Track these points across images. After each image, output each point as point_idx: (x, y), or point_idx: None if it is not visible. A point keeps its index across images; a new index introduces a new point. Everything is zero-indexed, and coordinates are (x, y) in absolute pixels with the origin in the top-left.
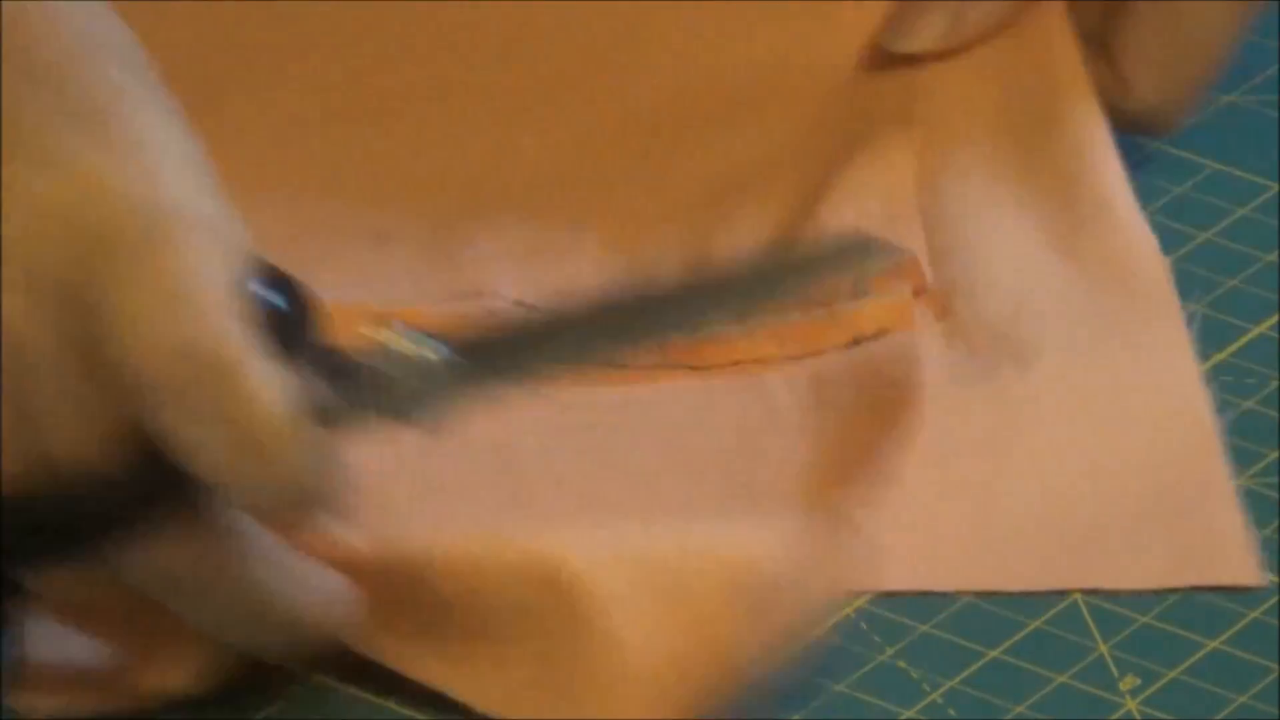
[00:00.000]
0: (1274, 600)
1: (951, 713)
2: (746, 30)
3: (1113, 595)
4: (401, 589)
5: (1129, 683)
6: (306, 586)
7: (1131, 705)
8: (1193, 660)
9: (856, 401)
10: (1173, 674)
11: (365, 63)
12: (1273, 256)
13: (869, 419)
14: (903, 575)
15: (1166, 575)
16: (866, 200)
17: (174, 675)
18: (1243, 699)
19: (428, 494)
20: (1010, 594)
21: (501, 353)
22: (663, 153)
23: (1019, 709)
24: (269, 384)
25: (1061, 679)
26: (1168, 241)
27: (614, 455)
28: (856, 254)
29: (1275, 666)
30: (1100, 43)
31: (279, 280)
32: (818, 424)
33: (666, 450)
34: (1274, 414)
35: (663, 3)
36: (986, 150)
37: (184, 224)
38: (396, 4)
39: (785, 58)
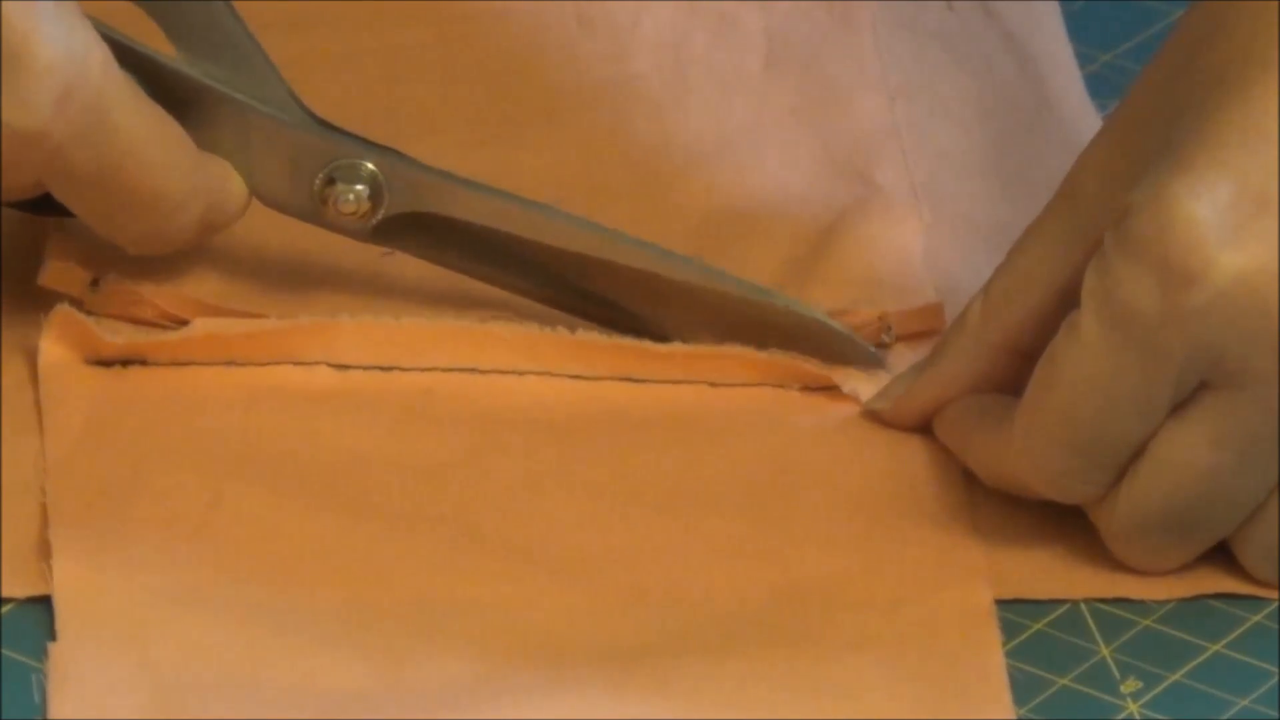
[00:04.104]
0: (1275, 605)
1: None
2: None
3: (1114, 599)
4: None
5: (1131, 686)
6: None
7: (1133, 708)
8: (1195, 664)
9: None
10: (1174, 677)
11: (365, 81)
12: None
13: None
14: None
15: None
16: (874, 253)
17: None
18: (1244, 703)
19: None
20: (1011, 597)
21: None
22: (666, 181)
23: (1021, 711)
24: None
25: (1063, 682)
26: None
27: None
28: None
29: (1276, 671)
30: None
31: None
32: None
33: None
34: None
35: None
36: None
37: None
38: (400, 24)
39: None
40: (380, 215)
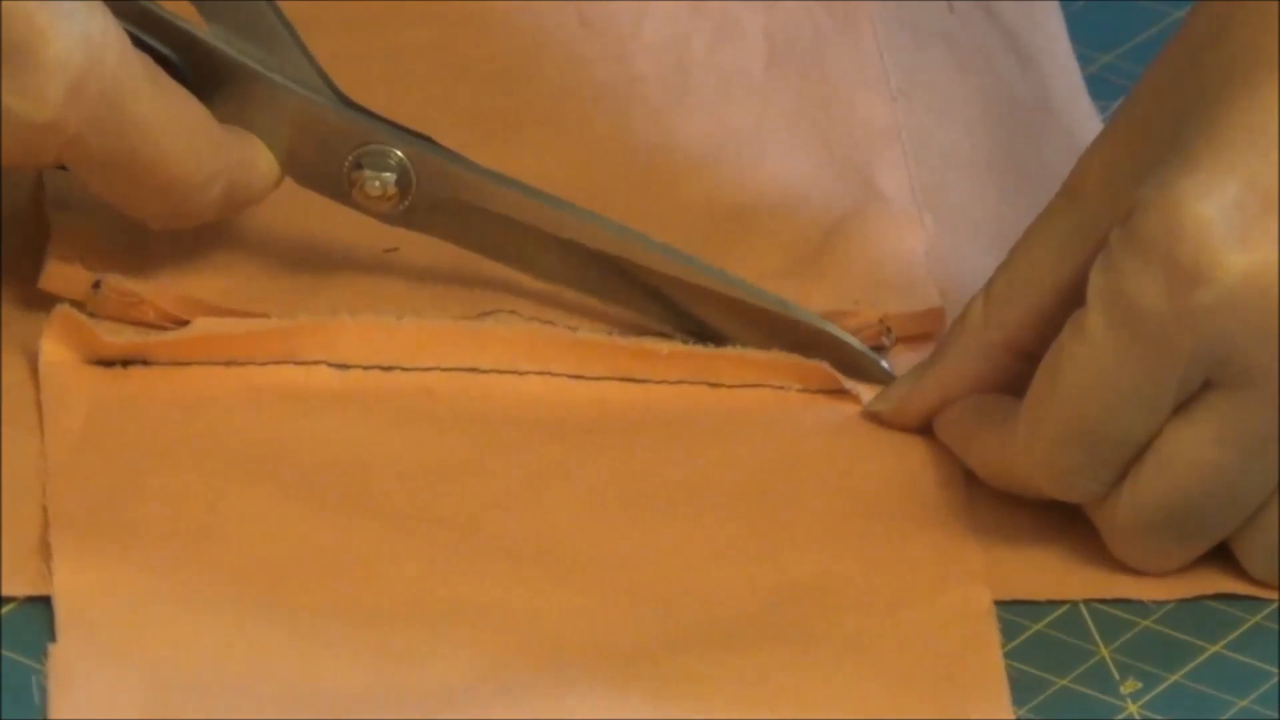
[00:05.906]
0: (1275, 605)
1: None
2: None
3: (1114, 599)
4: None
5: (1130, 686)
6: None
7: (1132, 709)
8: (1194, 664)
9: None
10: (1174, 678)
11: (365, 82)
12: None
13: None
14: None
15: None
16: (876, 253)
17: None
18: (1243, 703)
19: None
20: (1011, 598)
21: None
22: (667, 181)
23: (1020, 712)
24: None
25: (1062, 682)
26: None
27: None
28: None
29: (1276, 671)
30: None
31: None
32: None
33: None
34: None
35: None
36: None
37: None
38: (400, 25)
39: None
40: (409, 202)
